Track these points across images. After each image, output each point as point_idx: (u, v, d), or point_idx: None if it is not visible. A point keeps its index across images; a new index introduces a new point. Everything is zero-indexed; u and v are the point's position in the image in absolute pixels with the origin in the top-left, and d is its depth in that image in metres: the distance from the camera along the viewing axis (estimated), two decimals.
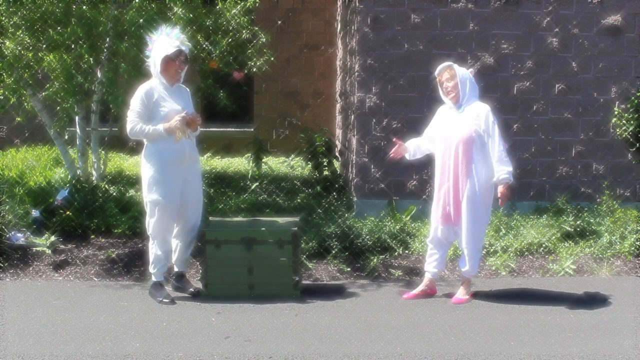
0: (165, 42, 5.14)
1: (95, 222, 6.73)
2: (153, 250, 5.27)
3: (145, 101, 5.11)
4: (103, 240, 6.66)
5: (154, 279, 5.32)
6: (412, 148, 5.52)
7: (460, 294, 5.35)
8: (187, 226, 5.34)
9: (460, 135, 5.16)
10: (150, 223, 5.22)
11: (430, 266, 5.45)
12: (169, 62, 5.14)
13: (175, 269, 5.47)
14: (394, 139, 5.59)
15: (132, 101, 5.18)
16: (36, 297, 5.38)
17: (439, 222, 5.34)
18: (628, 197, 7.42)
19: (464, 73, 5.23)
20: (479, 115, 5.17)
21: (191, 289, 5.42)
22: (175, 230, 5.36)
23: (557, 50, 7.36)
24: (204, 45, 7.53)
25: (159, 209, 5.15)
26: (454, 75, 5.19)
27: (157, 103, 5.14)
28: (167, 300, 5.22)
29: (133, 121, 5.11)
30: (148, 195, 5.17)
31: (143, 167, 5.22)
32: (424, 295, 5.41)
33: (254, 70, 7.90)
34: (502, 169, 5.10)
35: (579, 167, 7.48)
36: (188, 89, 5.47)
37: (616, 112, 7.40)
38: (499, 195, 5.14)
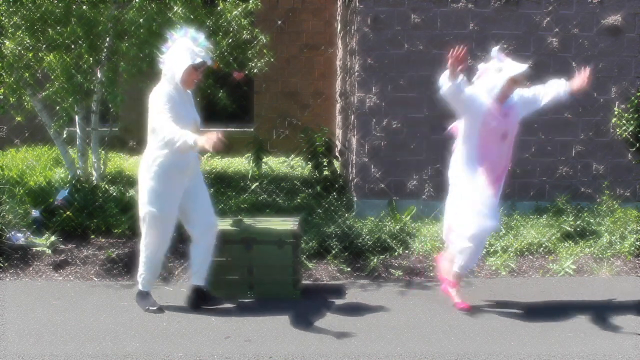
0: (190, 48, 4.74)
1: (95, 222, 6.73)
2: (142, 259, 4.97)
3: (171, 102, 4.70)
4: (103, 240, 6.66)
5: (140, 287, 5.05)
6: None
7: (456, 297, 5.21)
8: (201, 229, 4.98)
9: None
10: (144, 233, 4.93)
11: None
12: (191, 72, 4.78)
13: (194, 283, 5.03)
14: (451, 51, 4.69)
15: (159, 103, 4.70)
16: (36, 297, 5.38)
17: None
18: (628, 197, 7.42)
19: None
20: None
21: (222, 301, 5.09)
22: (192, 235, 5.03)
23: (557, 50, 7.36)
24: None
25: (154, 222, 4.84)
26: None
27: (177, 108, 4.73)
28: (154, 308, 4.97)
29: (171, 125, 4.60)
30: (145, 206, 4.83)
31: (143, 175, 4.84)
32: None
33: (254, 71, 7.90)
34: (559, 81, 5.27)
35: (579, 167, 7.48)
36: (190, 92, 5.22)
37: (616, 112, 7.40)
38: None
